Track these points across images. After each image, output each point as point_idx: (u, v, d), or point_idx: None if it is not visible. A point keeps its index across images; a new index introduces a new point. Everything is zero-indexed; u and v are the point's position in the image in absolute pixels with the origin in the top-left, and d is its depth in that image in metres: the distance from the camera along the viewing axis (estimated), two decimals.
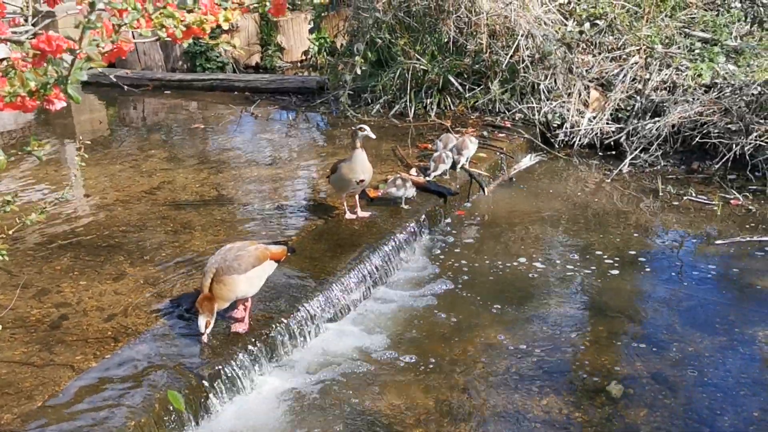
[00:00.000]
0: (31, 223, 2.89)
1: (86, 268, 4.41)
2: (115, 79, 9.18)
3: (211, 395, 3.40)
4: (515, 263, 4.89)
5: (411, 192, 5.27)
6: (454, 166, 5.95)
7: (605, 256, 4.93)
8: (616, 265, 4.81)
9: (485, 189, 6.07)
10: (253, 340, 3.69)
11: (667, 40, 7.59)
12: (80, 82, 1.52)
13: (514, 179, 6.49)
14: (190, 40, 1.86)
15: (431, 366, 3.80)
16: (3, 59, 1.53)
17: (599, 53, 7.70)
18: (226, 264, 3.57)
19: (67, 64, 1.47)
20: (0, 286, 4.16)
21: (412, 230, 5.09)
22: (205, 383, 3.38)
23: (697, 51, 7.41)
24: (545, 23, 7.64)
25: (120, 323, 3.77)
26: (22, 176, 6.25)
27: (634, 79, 7.27)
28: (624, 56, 7.56)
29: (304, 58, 11.31)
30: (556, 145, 7.14)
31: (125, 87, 8.71)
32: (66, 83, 1.49)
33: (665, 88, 7.06)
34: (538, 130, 7.21)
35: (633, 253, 4.99)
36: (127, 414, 3.07)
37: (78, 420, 3.01)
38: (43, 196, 5.72)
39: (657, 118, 6.76)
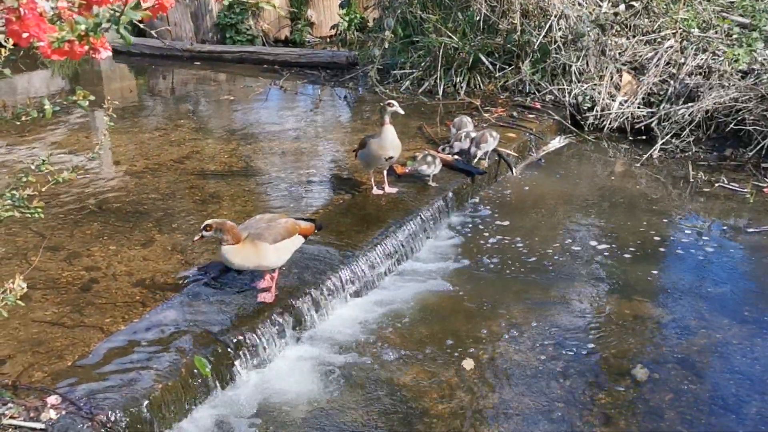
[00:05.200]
0: (64, 180, 2.92)
1: (116, 234, 4.46)
2: (156, 35, 9.26)
3: (236, 363, 3.43)
4: (541, 244, 4.86)
5: (438, 169, 5.25)
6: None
7: (632, 241, 4.89)
8: (644, 249, 4.77)
9: (513, 169, 6.03)
10: (279, 310, 3.71)
11: (704, 24, 7.46)
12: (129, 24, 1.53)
13: (542, 161, 6.45)
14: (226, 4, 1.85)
15: (454, 343, 3.81)
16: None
17: (633, 36, 7.60)
18: (257, 232, 3.60)
19: (112, 11, 1.48)
20: (32, 248, 4.22)
21: (439, 208, 5.07)
22: (231, 351, 3.42)
23: (734, 36, 7.27)
24: (579, 4, 7.54)
25: (148, 288, 3.81)
26: (54, 142, 6.31)
27: (668, 63, 7.16)
28: (659, 40, 7.46)
29: (333, 33, 11.26)
30: (586, 128, 7.07)
31: (165, 42, 8.69)
32: (118, 23, 1.49)
33: (700, 73, 6.94)
34: (568, 112, 7.15)
35: (661, 238, 4.95)
36: (155, 377, 3.11)
37: (107, 380, 3.05)
38: (74, 159, 5.77)
39: (690, 104, 6.66)
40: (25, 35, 1.42)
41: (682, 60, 7.08)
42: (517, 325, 3.96)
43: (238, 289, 3.83)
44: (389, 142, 4.75)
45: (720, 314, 4.03)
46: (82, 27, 1.48)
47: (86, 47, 1.53)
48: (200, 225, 4.48)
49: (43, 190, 2.89)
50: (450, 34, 7.57)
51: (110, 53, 1.62)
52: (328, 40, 11.54)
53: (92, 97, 2.31)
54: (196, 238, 3.56)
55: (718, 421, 3.21)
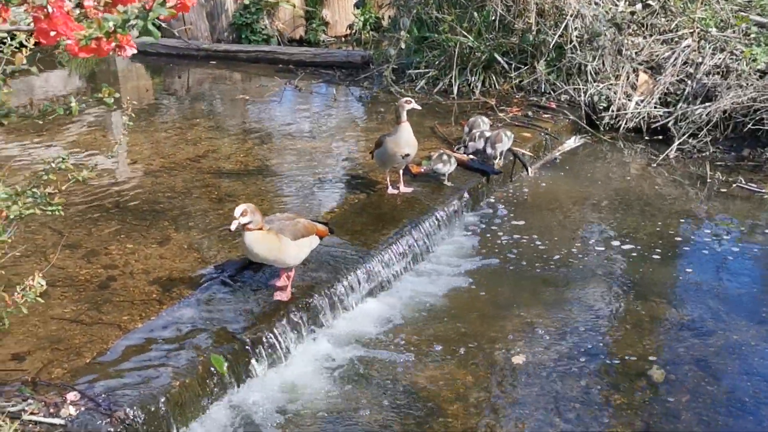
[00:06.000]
0: (83, 179, 2.95)
1: (133, 232, 4.49)
2: (177, 33, 9.36)
3: (252, 360, 3.45)
4: (557, 243, 4.85)
5: (453, 168, 5.25)
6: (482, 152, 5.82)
7: (648, 241, 4.87)
8: (660, 250, 4.75)
9: (529, 169, 6.02)
10: (295, 309, 3.73)
11: (721, 24, 7.41)
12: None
13: (557, 160, 6.43)
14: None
15: (469, 342, 3.81)
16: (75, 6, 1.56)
17: (650, 35, 7.56)
18: (279, 227, 3.62)
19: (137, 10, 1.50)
20: (51, 246, 4.26)
21: (455, 207, 5.07)
22: (247, 349, 3.43)
23: (752, 35, 7.22)
24: (595, 3, 7.51)
25: (165, 286, 3.83)
26: (73, 141, 6.36)
27: (685, 63, 7.12)
28: (676, 39, 7.41)
29: (348, 32, 11.27)
30: (602, 128, 7.04)
31: (188, 42, 8.77)
32: (146, 19, 1.51)
33: (718, 73, 6.90)
34: (583, 111, 7.12)
35: (677, 239, 4.92)
36: (172, 374, 3.13)
37: (125, 377, 3.08)
38: (92, 158, 5.81)
39: (708, 103, 6.61)
40: (52, 33, 1.44)
41: (700, 59, 7.04)
42: (532, 325, 3.96)
43: (254, 288, 3.85)
44: (405, 140, 4.75)
45: (737, 315, 4.01)
46: (111, 24, 1.49)
47: (113, 44, 1.55)
48: (217, 223, 4.55)
49: (63, 188, 2.92)
50: (465, 33, 7.56)
51: (135, 50, 1.64)
52: (343, 39, 11.55)
53: (117, 95, 2.34)
54: (233, 227, 3.42)
55: (735, 423, 3.19)
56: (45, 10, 1.41)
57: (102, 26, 1.49)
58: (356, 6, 10.33)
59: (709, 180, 5.88)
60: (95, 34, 1.49)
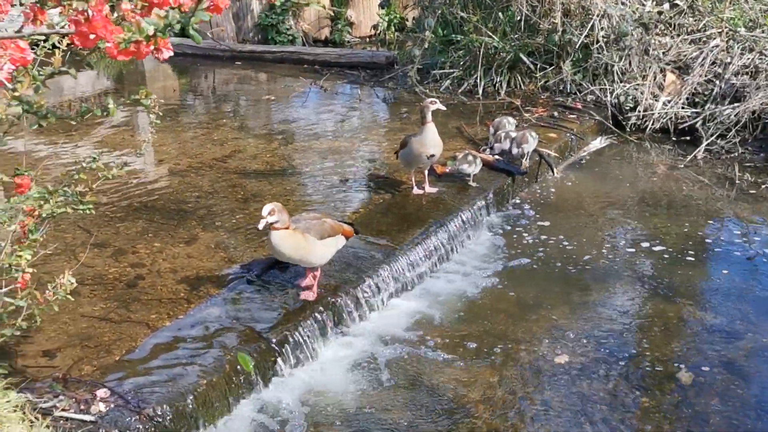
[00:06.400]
0: (113, 177, 2.99)
1: (160, 231, 4.53)
2: (210, 36, 9.48)
3: (279, 360, 3.47)
4: (583, 244, 4.82)
5: (478, 169, 5.24)
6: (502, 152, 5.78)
7: (676, 243, 4.82)
8: (688, 252, 4.71)
9: (554, 170, 5.99)
10: (321, 308, 3.74)
11: (750, 23, 7.32)
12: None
13: (583, 161, 6.39)
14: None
15: (495, 343, 3.80)
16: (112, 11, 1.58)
17: (678, 35, 7.49)
18: (306, 226, 3.63)
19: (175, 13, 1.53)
20: (80, 244, 4.31)
21: (480, 208, 5.06)
22: (274, 348, 3.45)
23: None
24: (622, 3, 7.45)
25: (192, 285, 3.87)
26: (101, 140, 6.43)
27: (713, 63, 7.04)
28: (704, 39, 7.33)
29: (373, 33, 11.30)
30: (628, 129, 6.98)
31: (220, 43, 8.88)
32: (188, 23, 1.53)
33: (746, 73, 6.81)
34: (609, 112, 7.07)
35: (706, 240, 4.88)
36: (200, 373, 3.16)
37: (153, 375, 3.12)
38: (121, 158, 5.88)
39: (736, 104, 6.54)
40: (92, 36, 1.47)
41: (728, 59, 6.95)
42: (558, 326, 3.94)
43: (280, 287, 3.87)
44: (430, 141, 4.75)
45: (766, 317, 3.96)
46: (152, 28, 1.52)
47: (152, 47, 1.57)
48: (244, 223, 4.58)
49: (94, 186, 2.96)
50: (490, 33, 7.54)
51: (172, 53, 1.66)
52: (368, 40, 11.57)
53: (154, 96, 2.37)
54: (260, 226, 3.43)
55: (765, 427, 3.15)
56: (86, 14, 1.44)
57: (142, 30, 1.52)
58: (381, 6, 10.34)
59: (737, 181, 5.82)
60: (135, 37, 1.52)
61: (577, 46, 7.31)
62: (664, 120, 6.88)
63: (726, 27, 7.22)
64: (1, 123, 2.15)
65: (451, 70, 7.86)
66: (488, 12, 7.70)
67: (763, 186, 5.69)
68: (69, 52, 2.56)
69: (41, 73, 2.12)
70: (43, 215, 2.79)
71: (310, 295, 3.79)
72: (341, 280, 3.99)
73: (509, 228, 5.10)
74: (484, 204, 5.12)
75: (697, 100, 6.92)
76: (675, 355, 3.66)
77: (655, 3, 7.62)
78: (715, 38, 7.22)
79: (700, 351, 3.70)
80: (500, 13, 7.60)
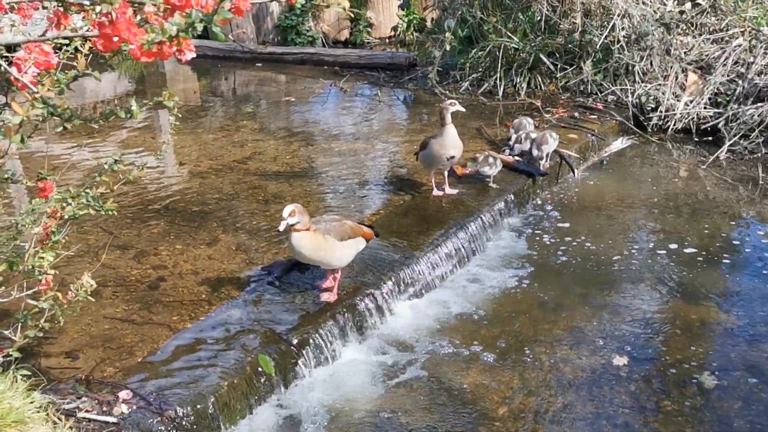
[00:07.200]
0: (134, 178, 3.02)
1: (181, 233, 4.56)
2: (233, 38, 9.59)
3: (299, 361, 3.47)
4: (603, 247, 4.79)
5: (498, 170, 5.22)
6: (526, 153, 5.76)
7: (698, 244, 4.77)
8: (710, 253, 4.66)
9: (575, 171, 5.96)
10: (342, 310, 3.75)
11: None
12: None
13: (604, 162, 6.35)
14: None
15: (516, 345, 3.78)
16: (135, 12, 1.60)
17: (700, 35, 7.42)
18: (326, 227, 3.64)
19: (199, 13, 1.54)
20: (103, 246, 4.35)
21: (500, 209, 5.05)
22: (294, 350, 3.46)
23: None
24: (643, 2, 7.39)
25: (213, 287, 3.89)
26: (121, 142, 6.49)
27: (736, 63, 6.97)
28: (726, 38, 7.26)
29: (392, 34, 11.28)
30: (649, 129, 6.92)
31: (241, 45, 8.99)
32: (212, 22, 1.54)
33: None
34: (630, 112, 7.01)
35: (728, 241, 4.83)
36: (221, 374, 3.18)
37: (175, 377, 3.13)
38: (141, 159, 5.92)
39: (760, 104, 6.46)
40: (116, 39, 1.48)
41: (751, 59, 6.88)
42: (580, 328, 3.92)
43: (301, 289, 3.88)
44: (450, 142, 4.74)
45: None
46: (175, 29, 1.53)
47: (174, 48, 1.58)
48: (264, 225, 4.60)
49: (115, 188, 2.98)
50: (510, 34, 7.51)
51: (194, 54, 1.67)
52: (388, 41, 11.57)
53: (177, 98, 2.39)
54: (281, 228, 3.44)
55: None
56: (110, 16, 1.45)
57: (164, 30, 1.53)
58: (401, 7, 10.33)
59: (761, 182, 5.75)
60: (158, 38, 1.53)
61: (597, 46, 7.27)
62: (686, 120, 6.81)
63: (749, 26, 7.14)
64: (24, 125, 2.18)
65: (471, 71, 7.84)
66: (508, 13, 7.67)
67: None
68: (92, 55, 2.58)
69: (65, 76, 2.14)
70: (66, 216, 2.81)
71: (330, 297, 3.80)
72: (362, 282, 3.99)
73: (530, 229, 5.08)
74: (504, 205, 5.10)
75: (719, 100, 6.85)
76: (697, 359, 3.62)
77: (676, 2, 7.55)
78: (737, 37, 7.14)
79: (723, 354, 3.66)
80: (520, 14, 7.57)
